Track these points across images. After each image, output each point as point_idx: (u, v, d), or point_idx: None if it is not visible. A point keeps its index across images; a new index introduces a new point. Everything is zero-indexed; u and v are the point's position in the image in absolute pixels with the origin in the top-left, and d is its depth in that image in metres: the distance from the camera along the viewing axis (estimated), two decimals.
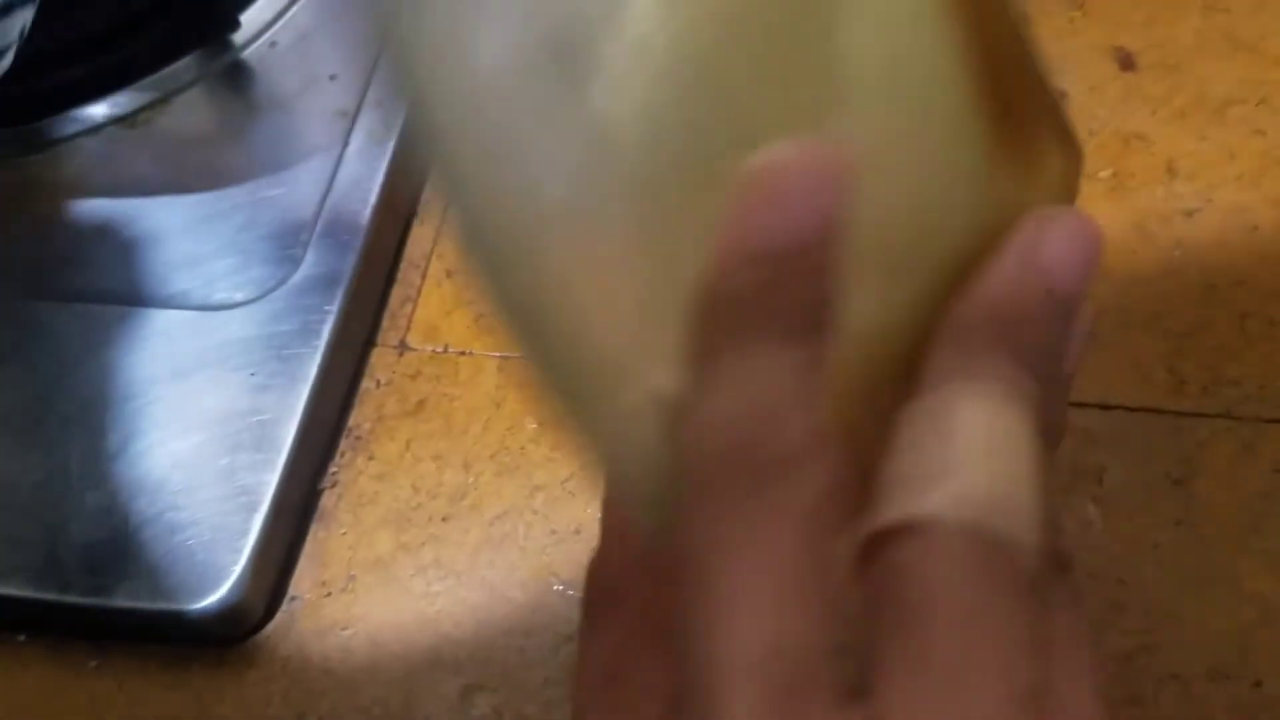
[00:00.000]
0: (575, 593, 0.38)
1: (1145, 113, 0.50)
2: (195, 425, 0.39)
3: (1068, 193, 0.21)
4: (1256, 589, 0.37)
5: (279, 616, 0.38)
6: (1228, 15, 0.53)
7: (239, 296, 0.43)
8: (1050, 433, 0.18)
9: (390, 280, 0.43)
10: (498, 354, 0.44)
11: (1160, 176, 0.48)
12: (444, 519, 0.40)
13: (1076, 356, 0.20)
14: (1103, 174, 0.48)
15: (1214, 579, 0.37)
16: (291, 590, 0.38)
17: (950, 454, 0.17)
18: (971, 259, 0.19)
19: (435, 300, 0.45)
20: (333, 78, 0.47)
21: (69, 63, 0.48)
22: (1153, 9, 0.54)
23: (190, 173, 0.47)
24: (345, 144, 0.45)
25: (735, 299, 0.16)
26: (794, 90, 0.17)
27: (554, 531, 0.40)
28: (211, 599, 0.36)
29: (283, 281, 0.43)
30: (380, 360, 0.43)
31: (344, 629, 0.37)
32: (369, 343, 0.43)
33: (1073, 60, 0.52)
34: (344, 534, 0.40)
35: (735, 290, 0.16)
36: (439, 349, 0.44)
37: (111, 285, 0.43)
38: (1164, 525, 0.38)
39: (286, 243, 0.44)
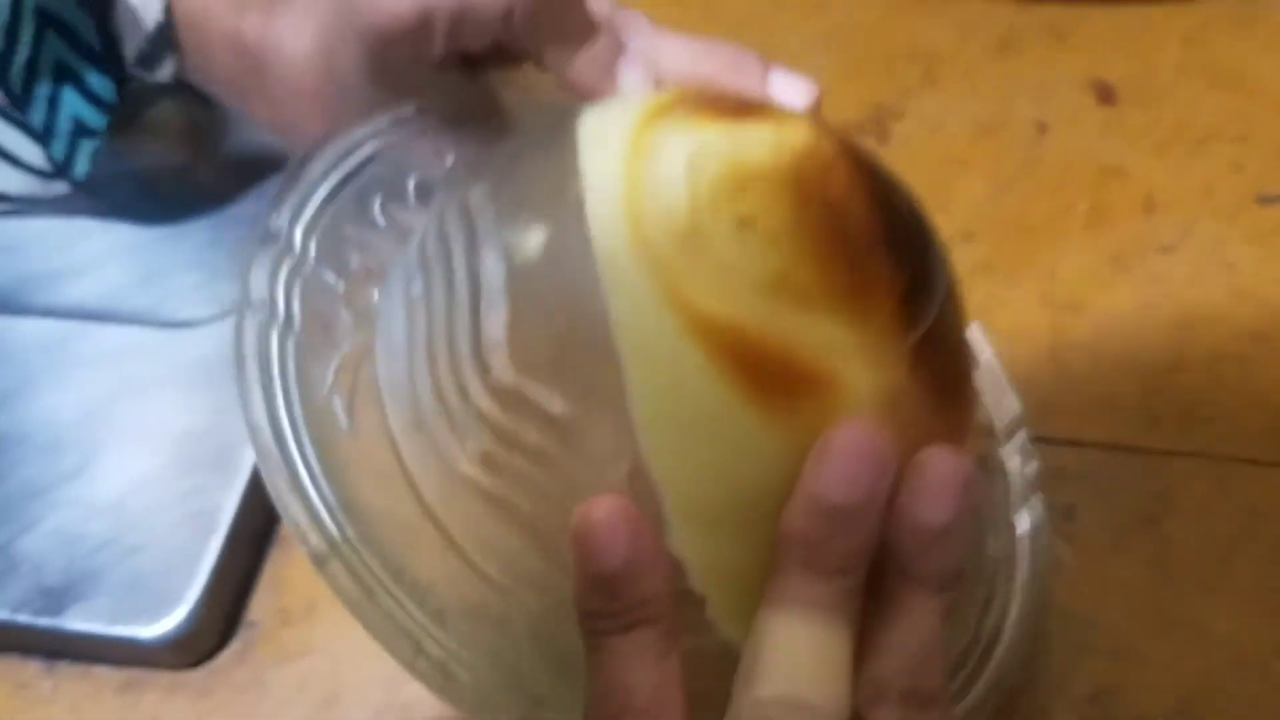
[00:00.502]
0: None
1: (1124, 145, 0.50)
2: (154, 446, 0.39)
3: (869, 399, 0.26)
4: (1227, 632, 0.37)
5: (235, 643, 0.37)
6: (1208, 49, 0.53)
7: (203, 314, 0.42)
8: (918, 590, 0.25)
9: None
10: None
11: (1138, 210, 0.48)
12: None
13: (942, 534, 0.25)
14: (1080, 206, 0.48)
15: (1184, 620, 0.37)
16: (249, 616, 0.38)
17: (756, 666, 0.24)
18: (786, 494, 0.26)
19: None
20: None
21: None
22: (1133, 41, 0.54)
23: (159, 185, 0.46)
24: None
25: (590, 612, 0.25)
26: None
27: None
28: (166, 623, 0.36)
29: None
30: None
31: (303, 658, 0.37)
32: None
33: (1052, 91, 0.52)
34: (304, 560, 0.37)
35: (591, 606, 0.25)
36: None
37: (71, 300, 0.43)
38: (1135, 565, 0.38)
39: None
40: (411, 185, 0.34)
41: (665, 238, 0.26)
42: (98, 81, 0.38)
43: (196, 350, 0.41)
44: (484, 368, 0.28)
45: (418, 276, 0.30)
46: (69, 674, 0.37)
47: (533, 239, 0.28)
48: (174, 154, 0.46)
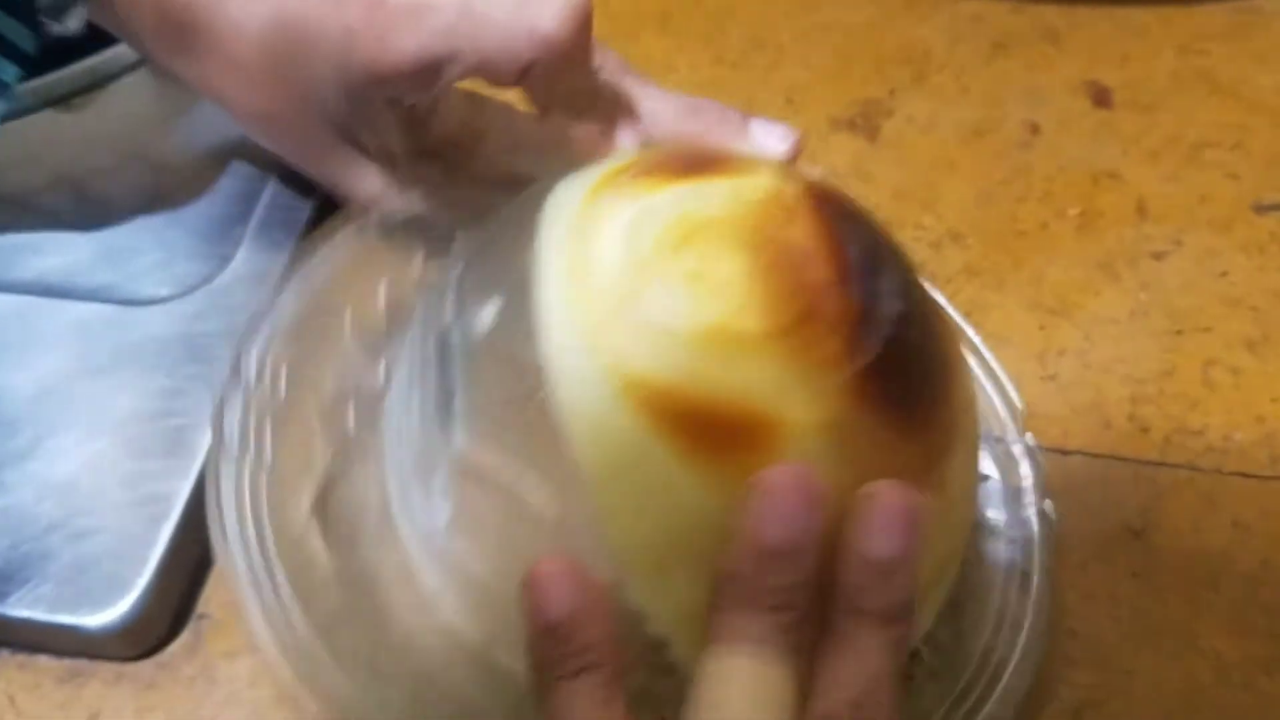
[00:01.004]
0: None
1: (1117, 151, 0.50)
2: (107, 427, 0.38)
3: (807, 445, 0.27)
4: (1212, 646, 0.36)
5: (184, 635, 0.37)
6: (1206, 57, 0.53)
7: (164, 292, 0.41)
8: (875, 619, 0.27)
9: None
10: None
11: (1130, 217, 0.48)
12: None
13: (880, 567, 0.26)
14: (1071, 211, 0.48)
15: (1169, 634, 0.36)
16: (200, 608, 0.37)
17: (699, 703, 0.26)
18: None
19: None
20: None
21: None
22: (1130, 46, 0.54)
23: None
24: None
25: (539, 660, 0.27)
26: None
27: None
28: (113, 612, 0.35)
29: (209, 279, 0.41)
30: None
31: (255, 652, 0.36)
32: None
33: (1046, 94, 0.52)
34: None
35: (539, 654, 0.27)
36: None
37: (28, 275, 0.42)
38: (1120, 577, 0.38)
39: (217, 238, 0.43)
40: (382, 292, 0.36)
41: (601, 304, 0.28)
42: (16, 31, 0.37)
43: (157, 329, 0.40)
44: (448, 441, 0.30)
45: (406, 365, 0.33)
46: (8, 663, 0.36)
47: (486, 315, 0.30)
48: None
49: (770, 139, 0.36)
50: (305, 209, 0.44)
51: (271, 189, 0.44)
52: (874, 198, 0.48)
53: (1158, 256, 0.46)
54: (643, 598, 0.28)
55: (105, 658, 0.36)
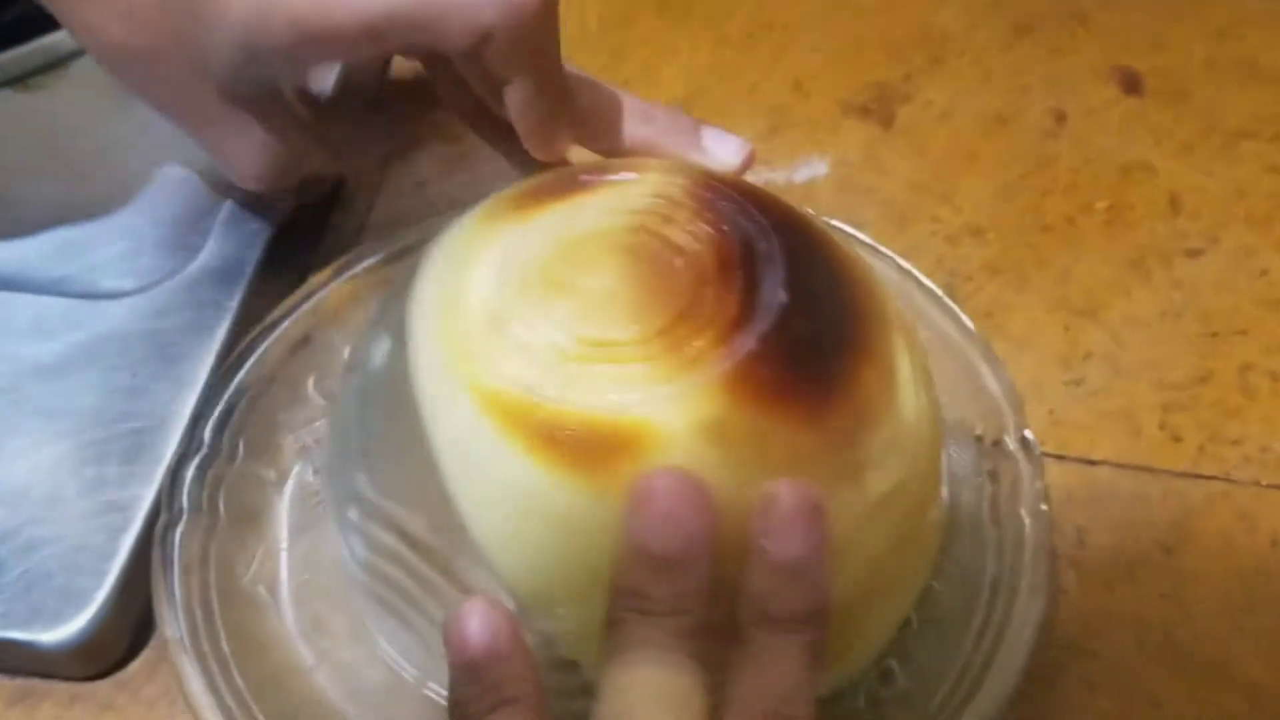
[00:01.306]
0: None
1: (1149, 141, 0.49)
2: (64, 429, 0.37)
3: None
4: (1247, 675, 0.36)
5: (145, 653, 0.36)
6: (1243, 42, 0.52)
7: (125, 285, 0.41)
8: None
9: (303, 276, 0.40)
10: None
11: (1162, 211, 0.47)
12: None
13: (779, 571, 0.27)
14: (1099, 205, 0.47)
15: (1201, 661, 0.36)
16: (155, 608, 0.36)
17: (596, 717, 0.26)
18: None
19: None
20: None
21: None
22: (1161, 29, 0.53)
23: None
24: None
25: (459, 700, 0.27)
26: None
27: None
28: (69, 628, 0.34)
29: (175, 272, 0.41)
30: None
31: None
32: None
33: (1072, 80, 0.51)
34: None
35: (459, 694, 0.27)
36: None
37: None
38: (1148, 598, 0.37)
39: (185, 229, 0.42)
40: (346, 354, 0.37)
41: (468, 332, 0.29)
42: None
43: (119, 324, 0.39)
44: (354, 484, 0.32)
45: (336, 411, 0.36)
46: None
47: (378, 355, 0.32)
48: None
49: (722, 150, 0.36)
50: (282, 199, 0.43)
51: None
52: (887, 189, 0.48)
53: (1191, 254, 0.46)
54: (548, 623, 0.29)
55: (60, 677, 0.36)
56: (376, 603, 0.33)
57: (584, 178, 0.33)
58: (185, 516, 0.34)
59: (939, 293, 0.39)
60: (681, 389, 0.28)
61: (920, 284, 0.39)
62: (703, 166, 0.34)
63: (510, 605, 0.28)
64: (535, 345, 0.29)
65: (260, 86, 0.34)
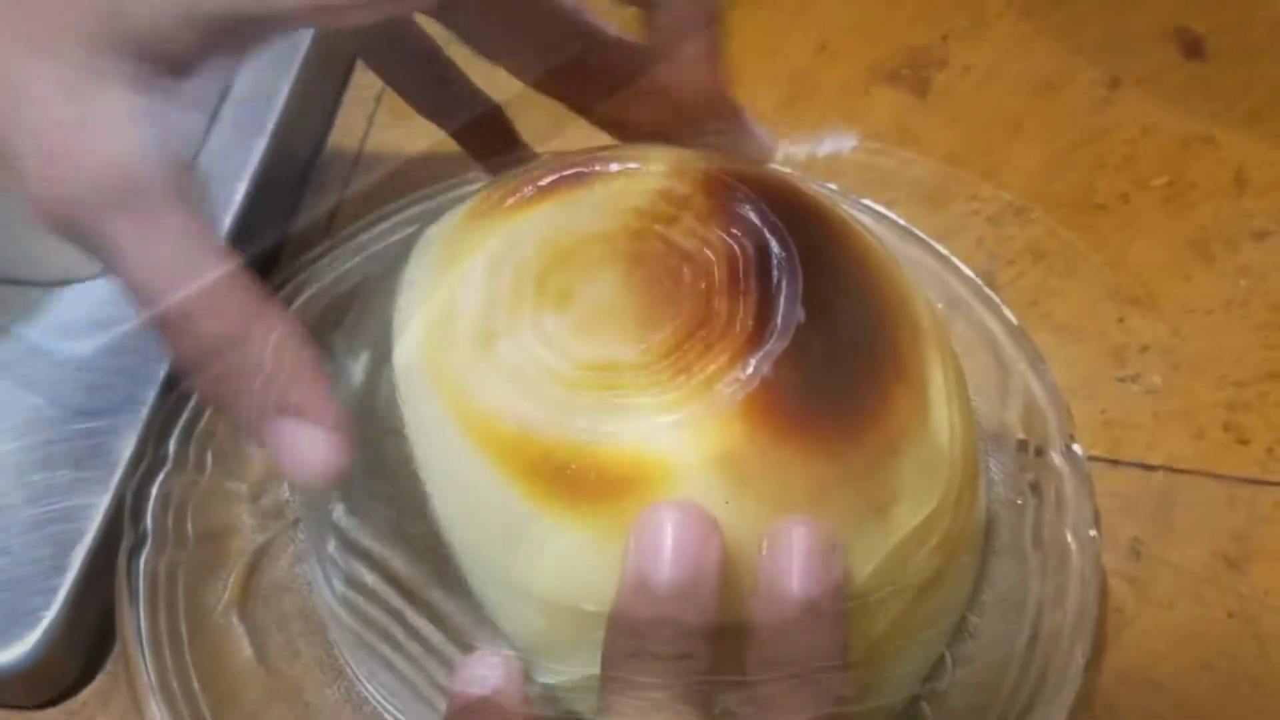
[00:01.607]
0: None
1: (1211, 110, 0.49)
2: (8, 431, 0.37)
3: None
4: None
5: (100, 679, 0.36)
6: None
7: (82, 270, 0.39)
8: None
9: (272, 265, 0.40)
10: None
11: (1226, 188, 0.46)
12: None
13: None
14: (1156, 181, 0.47)
15: (1275, 690, 0.35)
16: (119, 647, 0.35)
17: None
18: None
19: None
20: None
21: None
22: None
23: None
24: (222, 100, 0.43)
25: None
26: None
27: None
28: (13, 651, 0.34)
29: None
30: None
31: None
32: None
33: (1128, 42, 0.51)
34: None
35: None
36: None
37: None
38: (1215, 618, 0.36)
39: None
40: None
41: (459, 353, 0.29)
42: None
43: (70, 314, 0.39)
44: (331, 515, 0.32)
45: None
46: None
47: (357, 372, 0.31)
48: None
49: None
50: (245, 173, 0.42)
51: (208, 154, 0.43)
52: (921, 164, 0.47)
53: (1259, 236, 0.45)
54: (543, 672, 0.29)
55: (4, 705, 0.35)
56: (355, 641, 0.33)
57: (579, 170, 0.32)
58: (150, 539, 0.34)
59: (977, 280, 0.39)
60: (691, 418, 0.27)
61: (957, 270, 0.39)
62: (709, 152, 0.32)
63: (505, 652, 0.29)
64: (529, 369, 0.28)
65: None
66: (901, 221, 0.39)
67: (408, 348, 0.30)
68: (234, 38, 0.29)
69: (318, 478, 0.28)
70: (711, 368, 0.28)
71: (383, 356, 0.30)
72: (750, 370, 0.28)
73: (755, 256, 0.29)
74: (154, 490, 0.35)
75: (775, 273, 0.29)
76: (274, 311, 0.27)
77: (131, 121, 0.28)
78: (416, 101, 0.38)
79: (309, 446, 0.27)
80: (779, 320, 0.28)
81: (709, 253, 0.29)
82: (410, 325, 0.30)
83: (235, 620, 0.34)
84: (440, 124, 0.38)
